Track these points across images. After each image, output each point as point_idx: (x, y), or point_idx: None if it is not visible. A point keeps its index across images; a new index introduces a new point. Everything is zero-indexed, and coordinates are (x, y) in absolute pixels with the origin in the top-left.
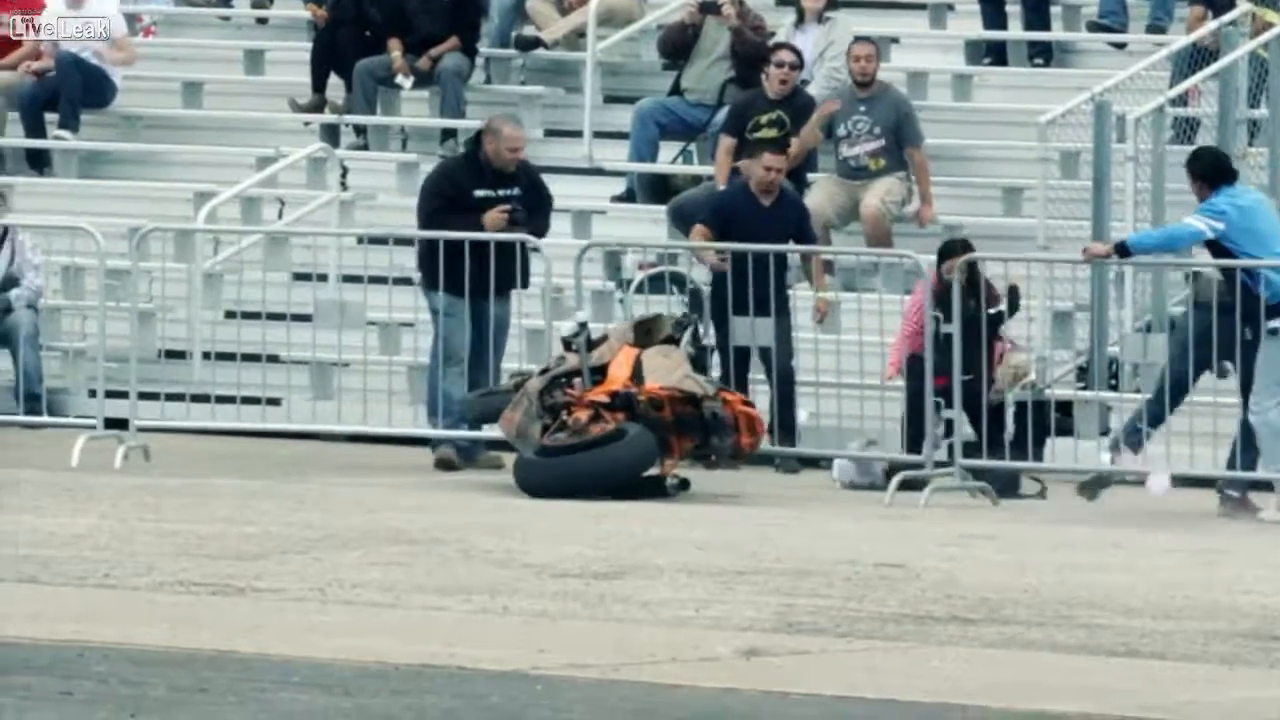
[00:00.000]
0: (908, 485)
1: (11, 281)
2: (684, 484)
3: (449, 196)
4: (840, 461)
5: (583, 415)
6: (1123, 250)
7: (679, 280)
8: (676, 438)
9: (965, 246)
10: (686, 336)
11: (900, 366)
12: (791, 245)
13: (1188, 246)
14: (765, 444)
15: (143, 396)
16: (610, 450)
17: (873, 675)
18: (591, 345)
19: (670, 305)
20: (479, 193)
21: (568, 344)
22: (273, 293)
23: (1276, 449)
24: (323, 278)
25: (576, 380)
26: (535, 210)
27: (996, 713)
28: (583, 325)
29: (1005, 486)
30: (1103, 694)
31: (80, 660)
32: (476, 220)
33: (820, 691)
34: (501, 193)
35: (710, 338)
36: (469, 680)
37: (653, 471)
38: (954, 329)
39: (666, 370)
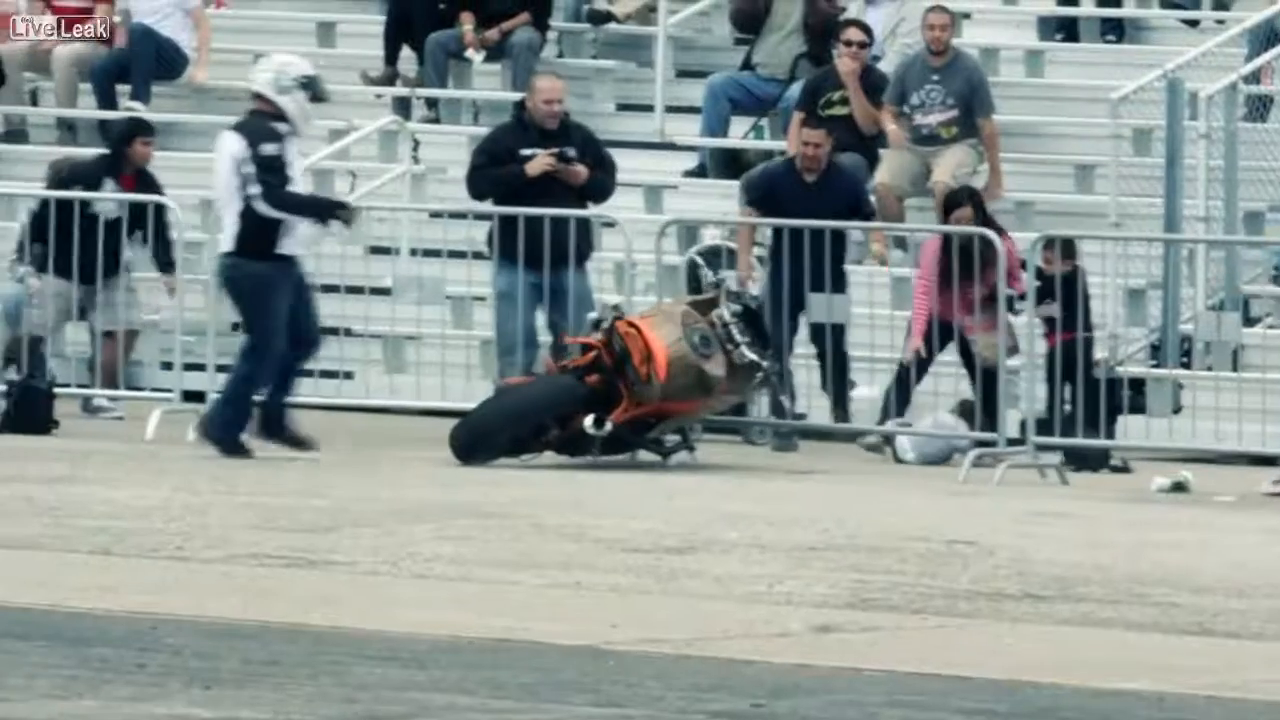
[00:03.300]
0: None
1: None
2: (610, 438)
3: (492, 154)
4: (902, 439)
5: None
6: None
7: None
8: (624, 384)
9: (971, 195)
10: (723, 297)
11: (924, 333)
12: (848, 222)
13: None
14: (823, 419)
15: (219, 370)
16: (496, 400)
17: (945, 652)
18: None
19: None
20: (525, 151)
21: (595, 324)
22: (349, 266)
23: None
24: (397, 252)
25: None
26: (592, 169)
27: (1069, 690)
28: (615, 307)
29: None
30: (1176, 672)
31: (154, 633)
32: (519, 171)
33: (893, 668)
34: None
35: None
36: (543, 654)
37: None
38: (1040, 311)
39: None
